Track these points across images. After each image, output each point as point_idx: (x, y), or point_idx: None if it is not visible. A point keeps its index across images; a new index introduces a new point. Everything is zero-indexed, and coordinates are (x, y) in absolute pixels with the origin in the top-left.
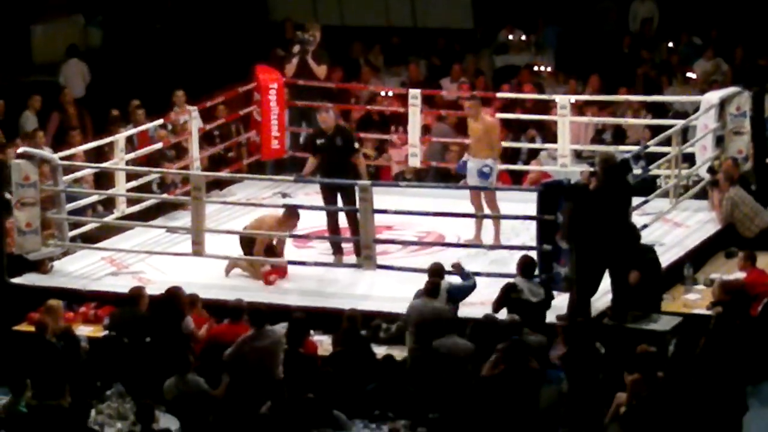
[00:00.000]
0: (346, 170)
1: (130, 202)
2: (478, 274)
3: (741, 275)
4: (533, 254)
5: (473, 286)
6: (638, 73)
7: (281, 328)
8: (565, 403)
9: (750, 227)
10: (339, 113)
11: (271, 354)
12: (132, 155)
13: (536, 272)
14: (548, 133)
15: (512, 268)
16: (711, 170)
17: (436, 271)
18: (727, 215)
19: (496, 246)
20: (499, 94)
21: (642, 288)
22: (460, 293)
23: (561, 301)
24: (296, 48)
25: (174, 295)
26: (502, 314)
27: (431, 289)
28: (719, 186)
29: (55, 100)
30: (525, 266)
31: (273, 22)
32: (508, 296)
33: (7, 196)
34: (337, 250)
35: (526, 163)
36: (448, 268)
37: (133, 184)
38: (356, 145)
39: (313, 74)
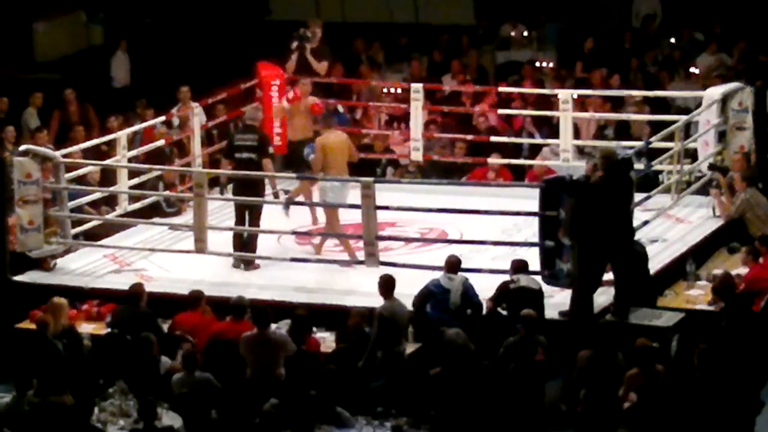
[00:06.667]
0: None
1: (132, 199)
2: (479, 270)
3: (744, 271)
4: (535, 251)
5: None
6: (632, 66)
7: (284, 324)
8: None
9: (762, 228)
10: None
11: (273, 355)
12: (134, 152)
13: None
14: (551, 128)
15: None
16: (712, 167)
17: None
18: (738, 215)
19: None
20: (500, 89)
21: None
22: (473, 292)
23: (564, 297)
24: (294, 44)
25: (146, 341)
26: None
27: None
28: (731, 183)
29: (57, 98)
30: (519, 268)
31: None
32: (506, 288)
33: None
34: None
35: (528, 158)
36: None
37: (135, 181)
38: (270, 149)
39: (312, 71)
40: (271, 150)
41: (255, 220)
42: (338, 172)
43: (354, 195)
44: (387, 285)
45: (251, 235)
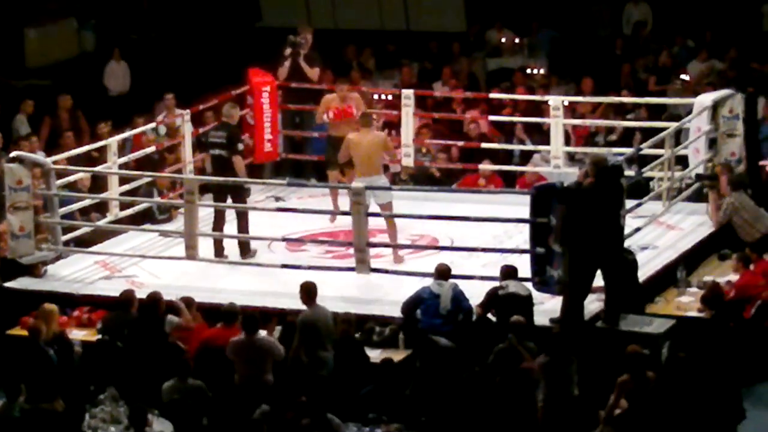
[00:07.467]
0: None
1: (123, 205)
2: (470, 277)
3: (734, 278)
4: (526, 257)
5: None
6: (623, 72)
7: (275, 331)
8: (543, 414)
9: (751, 232)
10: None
11: (261, 360)
12: (125, 159)
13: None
14: (541, 135)
15: None
16: (699, 177)
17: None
18: (726, 220)
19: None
20: (491, 95)
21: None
22: (463, 297)
23: (554, 304)
24: (288, 51)
25: (153, 300)
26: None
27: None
28: (719, 189)
29: (48, 105)
30: (508, 274)
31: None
32: (495, 294)
33: None
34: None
35: (519, 165)
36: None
37: (126, 187)
38: (240, 146)
39: (305, 77)
40: (240, 147)
41: (243, 219)
42: (363, 171)
43: (346, 201)
44: (308, 292)
45: (243, 231)
